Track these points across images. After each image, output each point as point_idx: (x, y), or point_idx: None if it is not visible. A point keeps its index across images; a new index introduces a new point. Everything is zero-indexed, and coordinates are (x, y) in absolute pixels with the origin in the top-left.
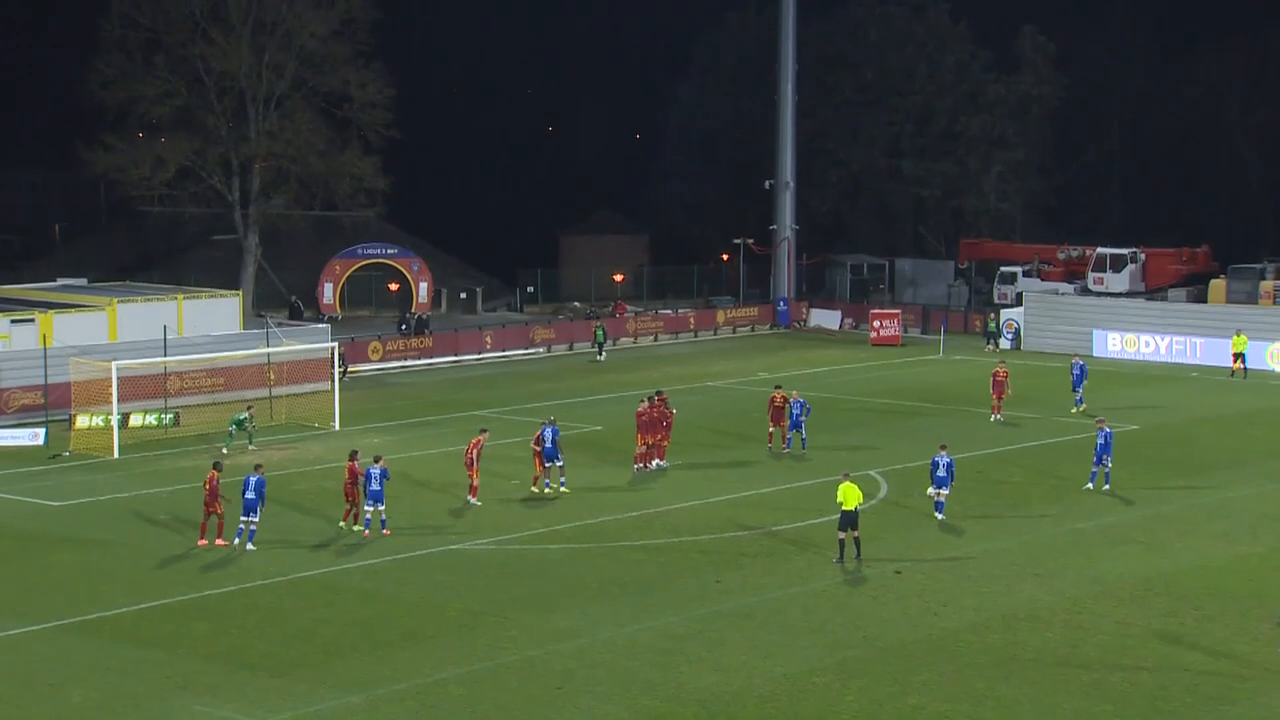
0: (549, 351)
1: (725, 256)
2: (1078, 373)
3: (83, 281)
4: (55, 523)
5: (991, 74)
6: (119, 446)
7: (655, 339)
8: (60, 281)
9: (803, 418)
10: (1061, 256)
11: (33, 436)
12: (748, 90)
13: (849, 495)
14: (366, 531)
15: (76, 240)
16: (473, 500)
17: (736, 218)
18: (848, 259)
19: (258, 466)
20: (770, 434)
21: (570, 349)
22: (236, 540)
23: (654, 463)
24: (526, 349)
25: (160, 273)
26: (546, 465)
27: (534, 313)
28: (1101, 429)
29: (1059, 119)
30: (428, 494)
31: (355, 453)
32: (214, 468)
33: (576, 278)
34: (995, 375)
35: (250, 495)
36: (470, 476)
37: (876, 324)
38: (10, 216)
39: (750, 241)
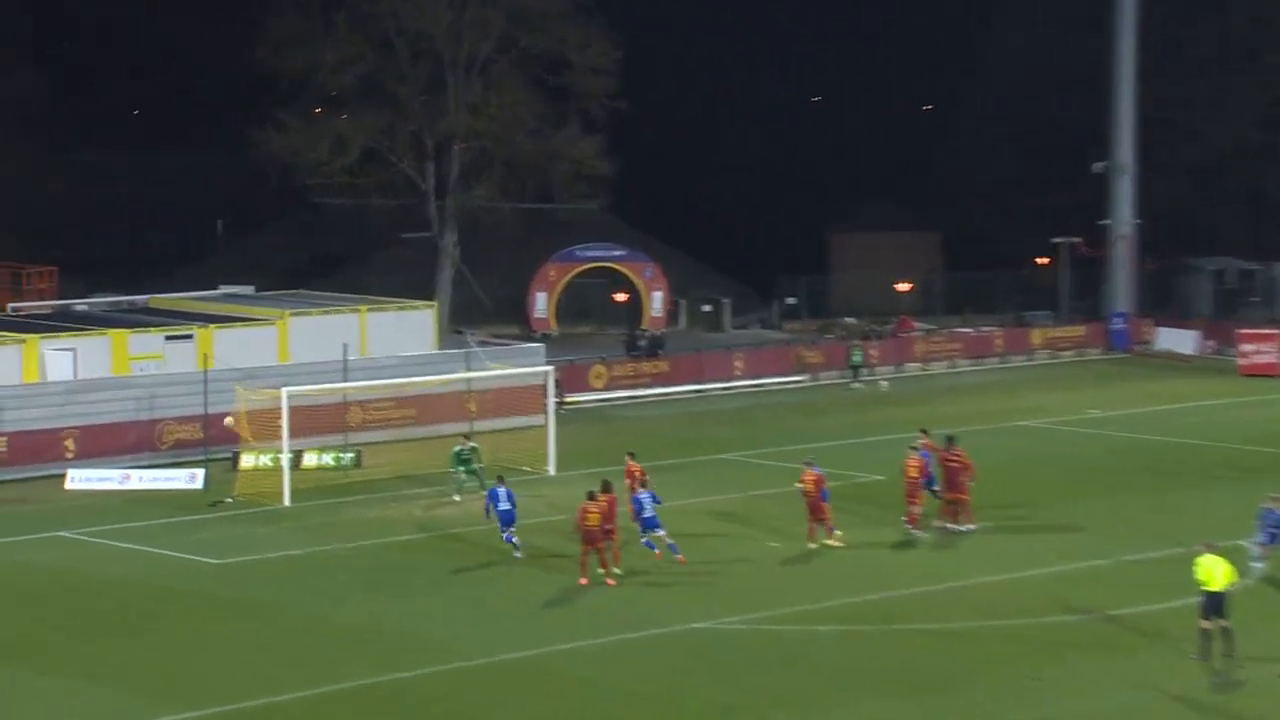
0: (815, 380)
1: (1043, 260)
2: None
3: (249, 289)
4: (214, 584)
5: None
6: (290, 491)
7: (951, 364)
8: (223, 289)
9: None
10: None
11: (190, 478)
12: (1071, 47)
13: (1214, 572)
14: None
15: (242, 239)
16: (830, 542)
17: (1057, 210)
18: (1206, 263)
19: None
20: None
21: (842, 376)
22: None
23: (947, 524)
24: (787, 376)
25: (340, 279)
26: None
27: (796, 331)
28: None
29: None
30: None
31: (608, 484)
32: (588, 497)
33: (850, 287)
34: None
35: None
36: (820, 517)
37: (1247, 348)
38: (164, 211)
39: (1076, 241)
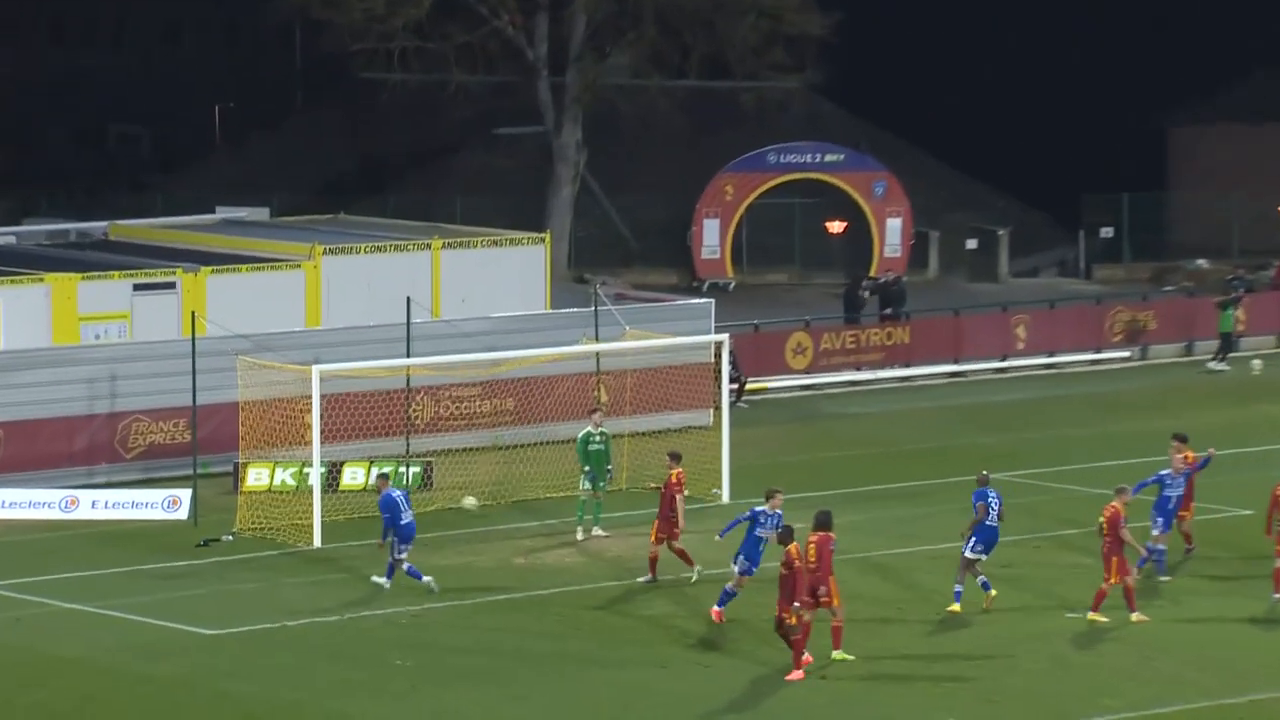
0: (1144, 357)
1: None
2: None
3: (262, 213)
4: (206, 667)
5: None
6: (322, 526)
7: None
8: (222, 213)
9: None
10: None
11: (170, 504)
12: None
13: None
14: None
15: (252, 136)
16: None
17: None
18: None
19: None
20: None
21: (1189, 351)
22: None
23: None
24: (1099, 351)
25: (401, 198)
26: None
27: (1113, 280)
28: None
29: None
30: (906, 629)
31: (826, 516)
32: (788, 543)
33: (1203, 211)
34: None
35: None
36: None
37: None
38: (133, 92)
39: None
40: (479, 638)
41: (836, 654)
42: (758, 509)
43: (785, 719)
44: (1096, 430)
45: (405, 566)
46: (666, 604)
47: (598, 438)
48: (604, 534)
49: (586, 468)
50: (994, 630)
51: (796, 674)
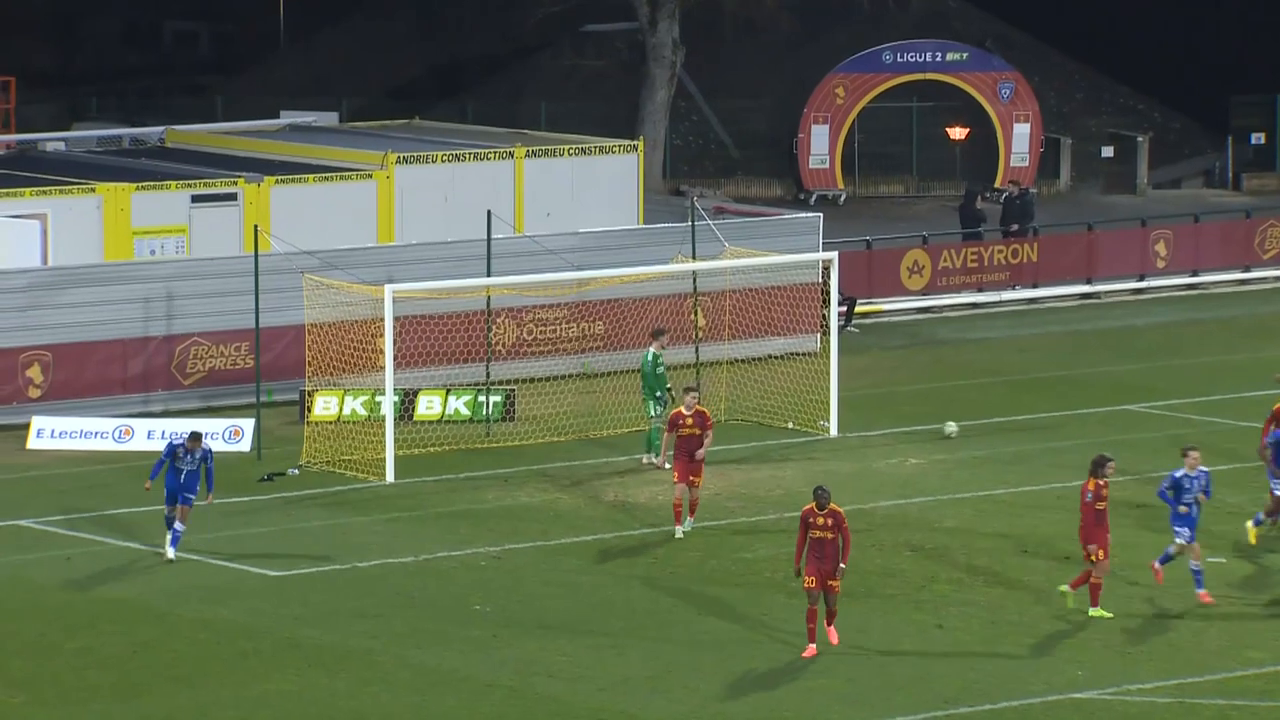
0: None
1: None
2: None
3: (330, 118)
4: (272, 610)
5: None
6: (396, 460)
7: None
8: (287, 118)
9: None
10: None
11: (231, 435)
12: None
13: None
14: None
15: (319, 33)
16: None
17: None
18: None
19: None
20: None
21: None
22: None
23: None
24: (1248, 270)
25: (480, 102)
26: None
27: (1264, 192)
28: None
29: None
30: (1032, 575)
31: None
32: (815, 498)
33: None
34: None
35: None
36: None
37: None
38: None
39: None
40: (566, 582)
41: (1095, 611)
42: (1177, 473)
43: (900, 676)
44: (1245, 357)
45: (171, 533)
46: (767, 547)
47: (660, 358)
48: (651, 460)
49: (658, 392)
50: (1129, 578)
51: (810, 648)
